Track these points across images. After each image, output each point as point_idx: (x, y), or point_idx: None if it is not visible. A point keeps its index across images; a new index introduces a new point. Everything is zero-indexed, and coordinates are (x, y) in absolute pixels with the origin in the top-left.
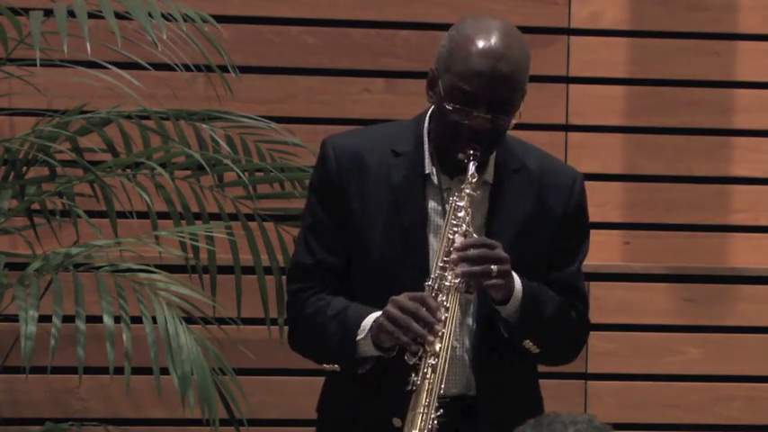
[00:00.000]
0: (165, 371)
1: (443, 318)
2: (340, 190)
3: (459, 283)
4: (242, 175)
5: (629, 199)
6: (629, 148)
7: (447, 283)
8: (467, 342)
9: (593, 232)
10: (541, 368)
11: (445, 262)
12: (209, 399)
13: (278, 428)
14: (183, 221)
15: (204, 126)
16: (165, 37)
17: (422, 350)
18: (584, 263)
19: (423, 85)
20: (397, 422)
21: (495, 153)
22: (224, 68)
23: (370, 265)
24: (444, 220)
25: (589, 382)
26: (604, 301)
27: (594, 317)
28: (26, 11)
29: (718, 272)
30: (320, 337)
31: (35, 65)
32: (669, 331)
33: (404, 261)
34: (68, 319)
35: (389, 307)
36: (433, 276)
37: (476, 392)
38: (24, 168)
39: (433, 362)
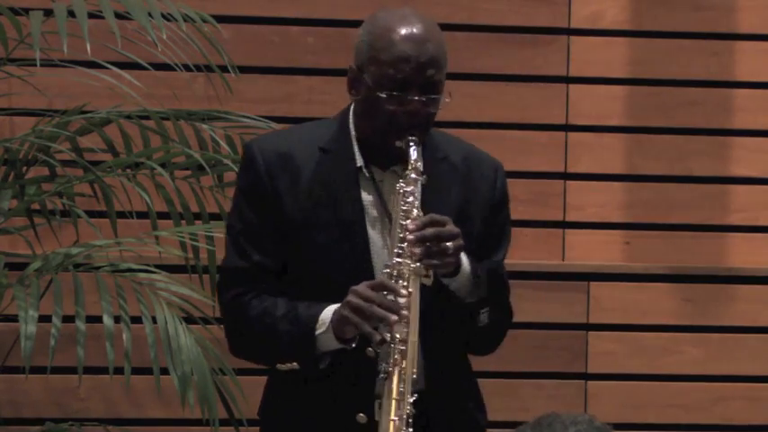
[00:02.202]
0: (165, 371)
1: (406, 302)
2: (271, 191)
3: (419, 266)
4: None
5: (629, 199)
6: (629, 148)
7: (406, 269)
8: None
9: (592, 232)
10: (541, 368)
11: (400, 248)
12: (209, 399)
13: None
14: (183, 221)
15: (204, 126)
16: (165, 37)
17: (389, 338)
18: (585, 262)
19: None
20: (361, 419)
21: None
22: (224, 68)
23: (310, 262)
24: (380, 210)
25: (589, 382)
26: (604, 301)
27: (594, 317)
28: (26, 11)
29: (718, 272)
30: (271, 338)
31: (35, 65)
32: (669, 331)
33: (345, 255)
34: (68, 319)
35: (350, 297)
36: (390, 263)
37: (424, 385)
38: (24, 168)
39: (403, 347)
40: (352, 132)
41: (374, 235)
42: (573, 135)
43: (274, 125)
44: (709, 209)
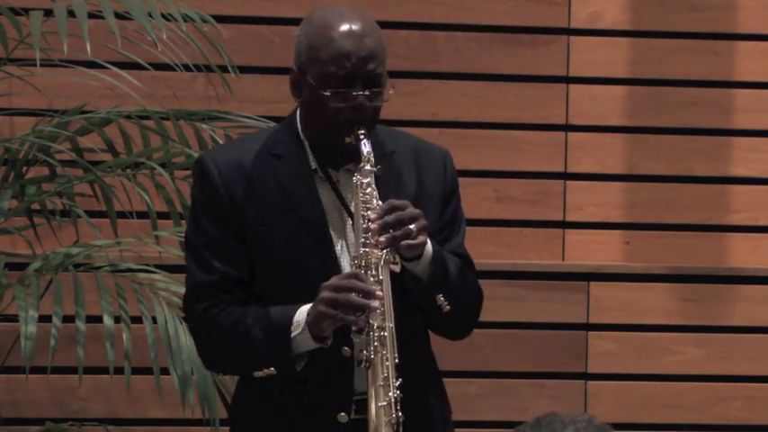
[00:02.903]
0: (165, 371)
1: (379, 290)
2: (229, 202)
3: (387, 253)
4: None
5: (629, 199)
6: (629, 148)
7: (373, 258)
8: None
9: (592, 232)
10: (541, 368)
11: (365, 238)
12: (209, 399)
13: None
14: (183, 221)
15: (204, 126)
16: (165, 37)
17: (367, 326)
18: (585, 262)
19: (423, 85)
20: (342, 418)
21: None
22: (224, 68)
23: (277, 268)
24: (340, 209)
25: (589, 382)
26: (604, 301)
27: (594, 317)
28: (26, 11)
29: (718, 272)
30: (245, 347)
31: (35, 65)
32: (669, 331)
33: (310, 258)
34: (68, 319)
35: (324, 293)
36: (357, 254)
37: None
38: (24, 168)
39: (382, 334)
40: (302, 135)
41: (337, 235)
42: (573, 135)
43: (274, 125)
44: (709, 209)
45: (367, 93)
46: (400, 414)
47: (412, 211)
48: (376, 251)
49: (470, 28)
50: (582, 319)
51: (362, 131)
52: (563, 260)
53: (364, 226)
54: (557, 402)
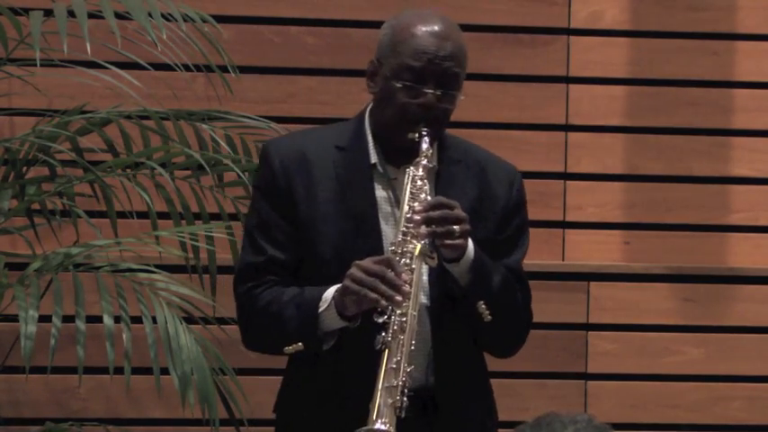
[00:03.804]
0: (165, 371)
1: (409, 279)
2: (286, 189)
3: (424, 245)
4: (242, 175)
5: (629, 199)
6: (629, 148)
7: (410, 248)
8: (426, 320)
9: (592, 232)
10: (541, 368)
11: (407, 228)
12: (210, 399)
13: None
14: (183, 221)
15: (204, 126)
16: (165, 37)
17: (390, 309)
18: (584, 262)
19: None
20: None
21: (436, 142)
22: (224, 68)
23: (324, 257)
24: (394, 206)
25: (589, 382)
26: (604, 301)
27: (594, 317)
28: (26, 11)
29: (719, 272)
30: (278, 323)
31: (35, 65)
32: (669, 331)
33: (358, 250)
34: (68, 319)
35: (354, 270)
36: (395, 241)
37: (434, 381)
38: (24, 168)
39: (402, 319)
40: (368, 130)
41: (387, 230)
42: (573, 135)
43: (274, 125)
44: (709, 209)
45: (438, 92)
46: (405, 399)
47: (459, 212)
48: (415, 242)
49: (470, 28)
50: (582, 318)
51: (426, 129)
52: (563, 260)
53: (408, 215)
54: (557, 402)
